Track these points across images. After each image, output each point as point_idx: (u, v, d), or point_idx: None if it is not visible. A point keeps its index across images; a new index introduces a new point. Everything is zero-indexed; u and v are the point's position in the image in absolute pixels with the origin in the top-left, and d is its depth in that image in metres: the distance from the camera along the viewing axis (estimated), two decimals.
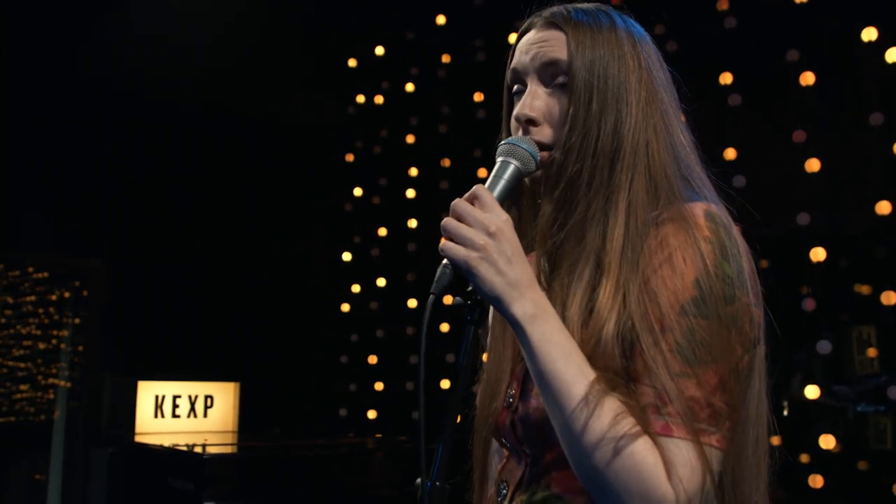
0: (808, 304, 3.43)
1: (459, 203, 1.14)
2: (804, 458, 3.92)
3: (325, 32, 5.66)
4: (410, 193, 5.25)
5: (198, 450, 4.01)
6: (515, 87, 1.32)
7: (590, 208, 1.20)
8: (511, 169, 1.20)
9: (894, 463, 4.42)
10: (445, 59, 5.11)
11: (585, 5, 1.32)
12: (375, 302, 5.35)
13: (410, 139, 5.30)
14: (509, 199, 1.23)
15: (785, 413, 5.11)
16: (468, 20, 4.92)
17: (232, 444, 4.73)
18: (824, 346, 3.31)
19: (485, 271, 1.10)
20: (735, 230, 1.19)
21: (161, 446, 4.37)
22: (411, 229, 5.23)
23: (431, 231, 5.11)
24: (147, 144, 5.36)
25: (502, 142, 1.24)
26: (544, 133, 1.25)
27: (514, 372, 1.28)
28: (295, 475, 4.12)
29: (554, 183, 1.24)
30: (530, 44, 1.29)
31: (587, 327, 1.14)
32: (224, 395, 5.29)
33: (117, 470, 4.88)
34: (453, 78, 5.11)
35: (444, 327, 4.71)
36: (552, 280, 1.24)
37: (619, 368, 1.11)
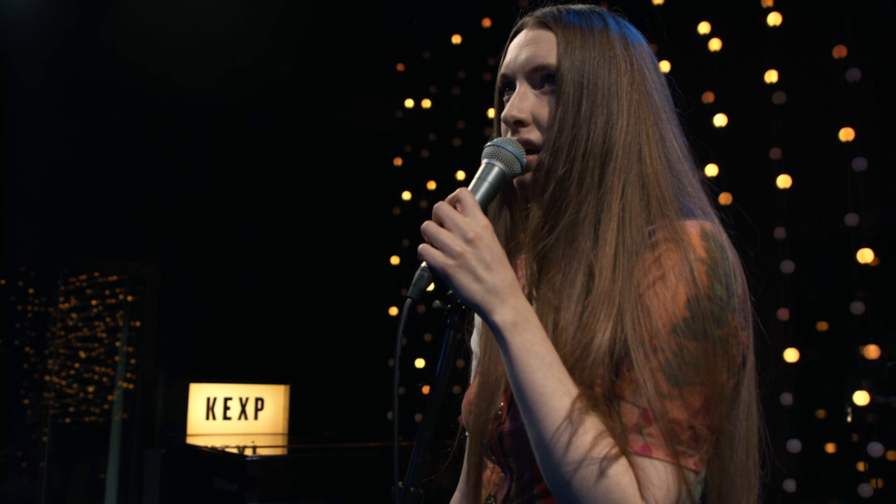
0: (859, 308, 3.33)
1: (441, 206, 1.12)
2: (860, 465, 3.81)
3: (373, 37, 5.70)
4: None
5: (247, 452, 4.06)
6: (506, 89, 1.30)
7: (580, 211, 1.17)
8: (495, 171, 1.18)
9: None
10: (491, 62, 5.09)
11: (579, 6, 1.29)
12: (423, 306, 5.35)
13: (457, 142, 5.29)
14: (496, 202, 1.22)
15: (848, 419, 4.97)
16: (513, 22, 4.89)
17: (278, 447, 4.79)
18: (873, 352, 3.20)
19: (462, 278, 1.08)
20: (730, 249, 1.15)
21: (207, 447, 4.44)
22: None
23: None
24: (202, 152, 5.47)
25: (487, 143, 1.22)
26: (533, 134, 1.22)
27: (505, 383, 1.24)
28: (340, 478, 4.14)
29: (543, 185, 1.21)
30: (520, 45, 1.27)
31: (579, 335, 1.11)
32: (274, 398, 5.36)
33: (169, 470, 4.98)
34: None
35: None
36: (541, 284, 1.21)
37: (604, 381, 1.08)
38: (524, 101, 1.23)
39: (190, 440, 4.93)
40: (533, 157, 1.22)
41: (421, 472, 1.08)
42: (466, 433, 1.42)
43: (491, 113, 5.16)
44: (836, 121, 3.39)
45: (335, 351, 5.64)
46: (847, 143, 3.35)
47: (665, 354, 1.06)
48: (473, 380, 1.36)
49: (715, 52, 3.82)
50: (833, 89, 3.45)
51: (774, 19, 3.60)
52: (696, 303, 1.07)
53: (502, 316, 1.08)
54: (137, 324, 5.85)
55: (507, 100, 1.29)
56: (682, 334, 1.06)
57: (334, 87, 5.72)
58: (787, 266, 3.43)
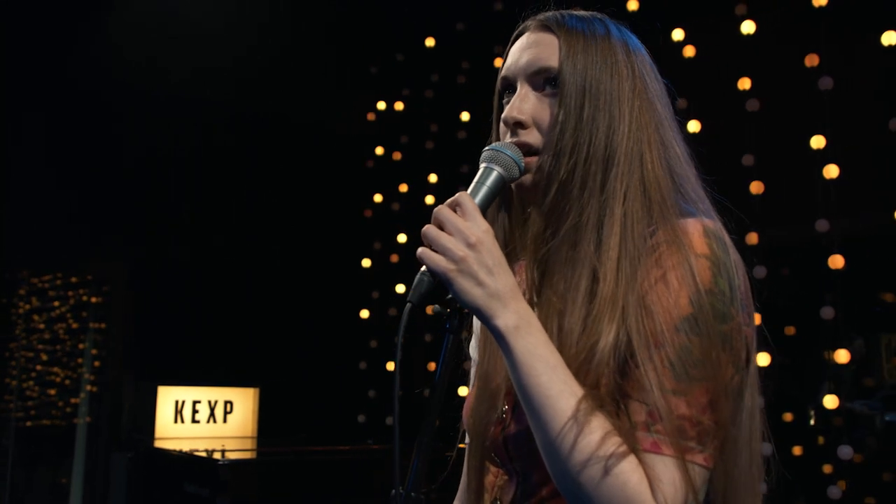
0: (828, 313, 3.37)
1: (442, 210, 1.12)
2: (827, 468, 3.86)
3: (346, 39, 5.68)
4: (430, 200, 5.24)
5: (215, 455, 4.02)
6: (506, 92, 1.30)
7: (583, 215, 1.17)
8: (494, 175, 1.18)
9: None
10: (464, 65, 5.10)
11: (581, 12, 1.30)
12: (394, 308, 5.35)
13: (430, 145, 5.29)
14: (493, 207, 1.21)
15: (812, 423, 5.04)
16: (488, 26, 4.91)
17: (248, 450, 4.75)
18: (843, 356, 3.25)
19: (464, 282, 1.08)
20: (732, 247, 1.16)
21: (177, 451, 4.39)
22: None
23: None
24: (171, 150, 5.41)
25: (486, 147, 1.22)
26: (532, 136, 1.22)
27: (508, 387, 1.25)
28: (312, 481, 4.12)
29: (544, 189, 1.21)
30: (522, 48, 1.27)
31: (584, 338, 1.12)
32: (244, 401, 5.31)
33: (136, 474, 4.91)
34: (473, 84, 5.10)
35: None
36: (543, 289, 1.21)
37: (610, 382, 1.09)
38: (525, 103, 1.24)
39: (158, 444, 4.87)
40: (532, 160, 1.22)
41: (421, 477, 1.07)
42: (467, 438, 1.42)
43: (464, 116, 5.20)
44: (808, 128, 3.45)
45: (305, 353, 5.60)
46: (819, 150, 3.40)
47: (670, 352, 1.07)
48: (473, 384, 1.35)
49: (689, 59, 3.86)
50: (805, 97, 3.50)
51: (748, 27, 3.64)
52: (699, 299, 1.09)
53: (504, 320, 1.09)
54: (103, 325, 5.77)
55: (507, 102, 1.29)
56: (686, 331, 1.07)
57: (306, 88, 5.68)
58: (760, 271, 3.47)
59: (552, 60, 1.23)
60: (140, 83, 5.16)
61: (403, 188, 5.46)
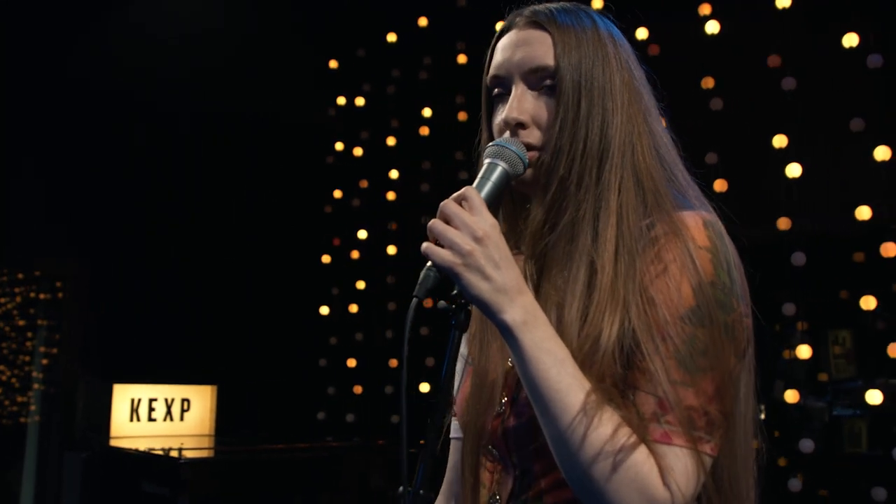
0: (789, 309, 3.44)
1: (448, 204, 1.11)
2: (782, 461, 3.94)
3: (306, 34, 5.63)
4: (391, 196, 5.22)
5: (174, 454, 3.96)
6: (496, 90, 1.30)
7: (580, 209, 1.19)
8: (499, 171, 1.18)
9: (868, 466, 4.45)
10: (427, 61, 5.08)
11: (565, 4, 1.30)
12: (355, 305, 5.32)
13: (391, 141, 5.27)
14: (496, 202, 1.21)
15: (762, 417, 5.13)
16: (450, 22, 4.90)
17: (208, 449, 4.68)
18: (804, 351, 3.31)
19: (471, 277, 1.08)
20: (728, 238, 1.19)
21: (136, 450, 4.31)
22: (392, 232, 5.20)
23: (412, 234, 5.09)
24: (128, 146, 5.31)
25: (490, 143, 1.22)
26: (533, 136, 1.23)
27: (505, 380, 1.25)
28: (272, 480, 4.07)
29: (544, 185, 1.22)
30: (514, 45, 1.26)
31: (584, 331, 1.13)
32: (201, 399, 5.23)
33: (91, 475, 4.81)
34: (435, 80, 5.09)
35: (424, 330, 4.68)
36: (541, 283, 1.22)
37: (616, 375, 1.10)
38: (524, 103, 1.24)
39: (113, 443, 4.77)
40: (532, 155, 1.23)
41: (428, 475, 1.06)
42: (452, 435, 1.41)
43: (426, 112, 5.18)
44: (771, 128, 3.50)
45: (264, 351, 5.54)
46: (781, 149, 3.46)
47: (675, 343, 1.08)
48: (465, 380, 1.35)
49: (652, 58, 3.90)
50: (768, 97, 3.55)
51: (712, 27, 3.69)
52: (701, 291, 1.11)
53: (512, 315, 1.09)
54: (53, 323, 5.64)
55: (498, 98, 1.30)
56: (690, 322, 1.09)
57: (264, 82, 5.62)
58: None
59: (548, 58, 1.23)
60: (98, 78, 5.05)
61: (364, 184, 5.43)
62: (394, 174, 5.24)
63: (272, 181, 5.70)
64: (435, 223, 1.11)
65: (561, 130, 1.21)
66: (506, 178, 1.19)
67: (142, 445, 4.45)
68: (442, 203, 1.12)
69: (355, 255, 5.37)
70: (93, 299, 5.34)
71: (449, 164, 4.90)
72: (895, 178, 3.26)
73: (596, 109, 1.21)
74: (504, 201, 1.31)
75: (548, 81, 1.23)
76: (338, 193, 5.54)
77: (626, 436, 1.05)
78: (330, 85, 5.61)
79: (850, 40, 3.39)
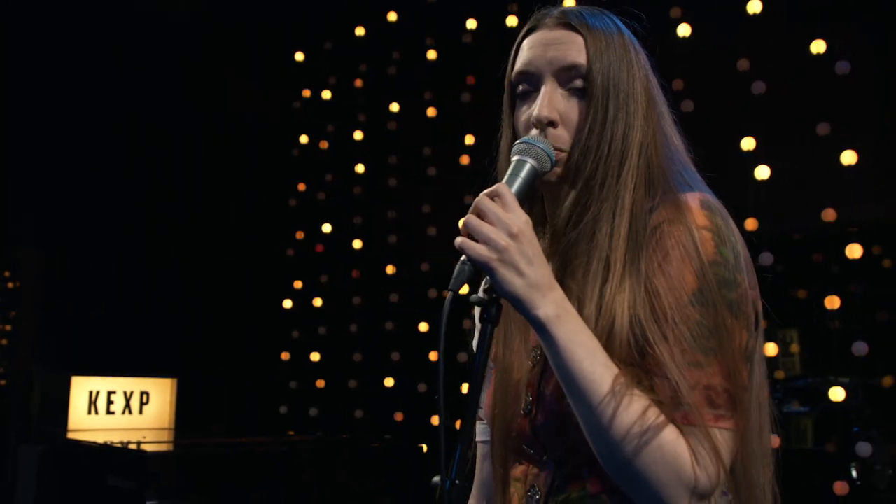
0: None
1: (482, 200, 1.13)
2: None
3: (272, 24, 5.58)
4: (357, 190, 5.21)
5: (144, 447, 3.91)
6: (521, 86, 1.32)
7: (602, 208, 1.23)
8: (528, 168, 1.21)
9: (814, 463, 4.56)
10: (396, 55, 5.08)
11: (591, 7, 1.34)
12: (319, 299, 5.30)
13: (358, 135, 5.25)
14: (525, 198, 1.23)
15: None
16: (420, 17, 4.90)
17: (172, 442, 4.63)
18: (771, 350, 3.39)
19: (505, 272, 1.10)
20: (729, 217, 1.23)
21: (99, 443, 4.24)
22: (356, 226, 5.19)
23: (377, 228, 5.09)
24: (86, 134, 5.21)
25: (518, 140, 1.24)
26: (560, 135, 1.26)
27: (529, 378, 1.28)
28: (238, 474, 4.04)
29: (572, 183, 1.26)
30: (545, 44, 1.29)
31: (601, 322, 1.17)
32: (161, 392, 5.16)
33: (48, 468, 4.72)
34: (403, 75, 5.09)
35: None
36: (563, 279, 1.24)
37: (635, 362, 1.14)
38: (555, 102, 1.27)
39: (71, 436, 4.69)
40: (561, 155, 1.26)
41: (463, 465, 1.08)
42: (478, 438, 1.42)
43: (394, 107, 5.16)
44: (740, 130, 3.57)
45: (226, 344, 5.49)
46: (749, 151, 3.53)
47: (684, 328, 1.12)
48: (489, 381, 1.37)
49: None
50: (737, 100, 3.62)
51: (683, 31, 3.75)
52: (703, 273, 1.15)
53: (545, 310, 1.12)
54: (7, 311, 5.52)
55: (523, 95, 1.31)
56: (695, 305, 1.13)
57: (228, 73, 5.56)
58: None
59: (580, 58, 1.27)
60: (57, 67, 4.95)
61: (329, 178, 5.41)
62: (360, 168, 5.23)
63: (235, 173, 5.64)
64: (470, 218, 1.12)
65: (591, 132, 1.24)
66: (534, 176, 1.21)
67: (100, 438, 4.37)
68: (477, 198, 1.14)
69: (320, 248, 5.35)
70: (48, 288, 5.23)
71: (415, 160, 4.90)
72: (860, 182, 3.35)
73: (621, 113, 1.25)
74: (531, 199, 1.33)
75: (578, 82, 1.27)
76: (302, 186, 5.51)
77: (654, 415, 1.09)
78: (295, 77, 5.57)
79: (818, 47, 3.47)
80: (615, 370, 1.12)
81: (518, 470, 1.29)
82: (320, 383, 5.24)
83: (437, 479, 1.07)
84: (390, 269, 4.94)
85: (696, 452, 1.08)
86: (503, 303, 1.14)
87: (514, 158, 1.22)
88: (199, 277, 5.53)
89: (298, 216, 5.48)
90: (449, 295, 1.10)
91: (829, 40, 3.48)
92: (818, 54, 3.47)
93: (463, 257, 1.12)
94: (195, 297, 5.49)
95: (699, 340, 1.12)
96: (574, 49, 1.27)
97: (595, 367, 1.11)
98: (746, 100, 3.54)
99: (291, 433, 5.18)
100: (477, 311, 1.46)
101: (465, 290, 1.12)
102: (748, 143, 3.54)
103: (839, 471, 3.75)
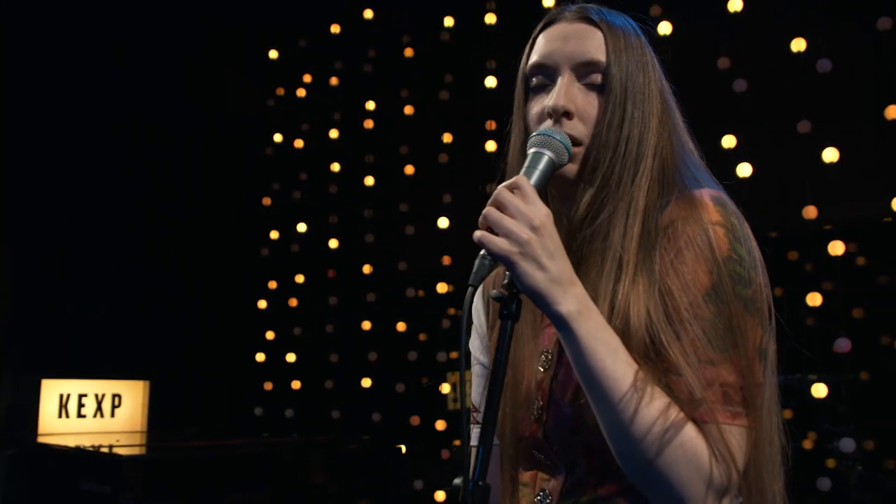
0: None
1: (503, 192, 1.10)
2: None
3: (246, 21, 5.51)
4: (332, 189, 5.16)
5: (119, 450, 3.83)
6: (535, 79, 1.29)
7: (617, 206, 1.21)
8: (545, 160, 1.18)
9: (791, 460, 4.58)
10: (372, 53, 5.04)
11: (604, 7, 1.33)
12: (294, 299, 5.24)
13: (334, 134, 5.20)
14: (543, 191, 1.21)
15: None
16: (397, 14, 4.87)
17: (147, 445, 4.55)
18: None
19: (527, 266, 1.07)
20: (742, 216, 1.21)
21: (71, 447, 4.16)
22: (332, 225, 5.14)
23: (352, 227, 5.04)
24: (55, 129, 5.10)
25: (535, 133, 1.21)
26: (577, 128, 1.24)
27: (540, 382, 1.25)
28: (215, 476, 3.98)
29: (588, 180, 1.24)
30: (564, 37, 1.27)
31: (614, 322, 1.15)
32: (133, 394, 5.08)
33: (18, 473, 4.62)
34: (379, 73, 5.05)
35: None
36: (577, 276, 1.22)
37: (651, 361, 1.12)
38: (571, 93, 1.24)
39: (42, 440, 4.59)
40: (578, 150, 1.24)
41: (485, 466, 1.04)
42: (475, 443, 1.39)
43: (370, 105, 5.12)
44: (721, 128, 3.59)
45: (199, 345, 5.40)
46: (731, 149, 3.55)
47: (700, 324, 1.11)
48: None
49: None
50: (719, 98, 3.63)
51: (664, 29, 3.75)
52: (717, 269, 1.13)
53: (567, 306, 1.09)
54: None
55: (537, 89, 1.29)
56: (711, 302, 1.12)
57: (201, 70, 5.48)
58: None
59: (600, 54, 1.25)
60: (31, 65, 4.85)
61: (304, 176, 5.36)
62: (336, 167, 5.18)
63: (208, 172, 5.56)
64: (490, 211, 1.09)
65: (609, 127, 1.22)
66: (552, 168, 1.19)
67: (71, 442, 4.29)
68: (496, 190, 1.11)
69: (295, 248, 5.29)
70: (17, 288, 5.11)
71: (392, 159, 4.87)
72: (841, 179, 3.38)
73: (637, 112, 1.24)
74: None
75: (596, 78, 1.25)
76: (276, 185, 5.45)
77: (676, 413, 1.08)
78: (269, 75, 5.51)
79: (798, 45, 3.49)
80: (636, 367, 1.10)
81: (526, 475, 1.27)
82: (296, 384, 5.19)
83: (458, 480, 1.04)
84: (367, 269, 4.90)
85: (713, 450, 1.07)
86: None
87: (532, 151, 1.19)
88: (171, 278, 5.44)
89: (273, 215, 5.42)
90: (469, 290, 1.07)
91: (809, 39, 3.50)
92: (798, 52, 3.49)
93: (482, 251, 1.09)
94: (168, 297, 5.40)
95: (714, 338, 1.11)
96: (594, 44, 1.25)
97: (617, 364, 1.08)
98: (728, 98, 3.55)
99: (267, 435, 5.12)
100: (475, 305, 1.43)
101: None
102: (729, 141, 3.55)
103: (816, 468, 3.78)
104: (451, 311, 4.58)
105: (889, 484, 4.58)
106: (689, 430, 1.07)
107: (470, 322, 1.08)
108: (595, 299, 1.16)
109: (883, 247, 4.34)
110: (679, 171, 1.25)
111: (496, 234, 1.08)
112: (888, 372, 4.59)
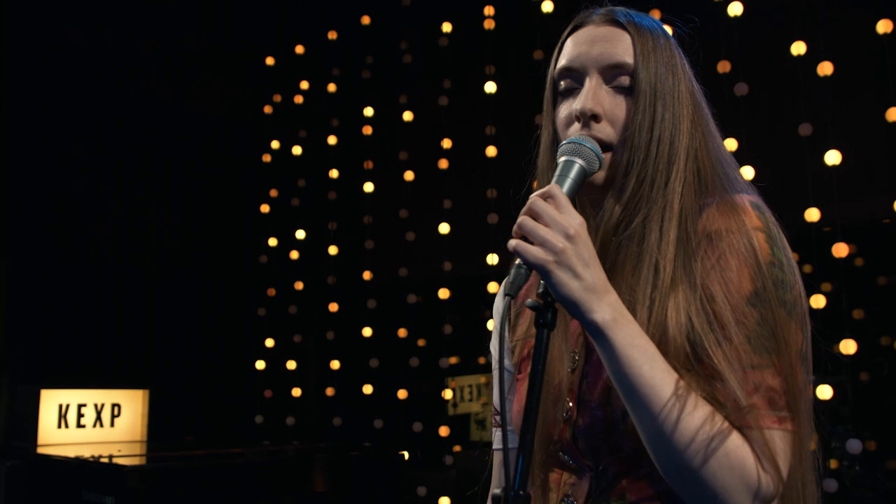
0: None
1: (538, 201, 1.10)
2: None
3: (243, 28, 5.50)
4: (331, 195, 5.15)
5: (121, 461, 3.81)
6: (564, 83, 1.29)
7: (651, 210, 1.21)
8: (577, 168, 1.18)
9: None
10: (370, 59, 5.03)
11: (632, 10, 1.32)
12: (294, 306, 5.22)
13: (332, 140, 5.19)
14: (575, 199, 1.20)
15: None
16: (394, 20, 4.86)
17: (149, 455, 4.53)
18: None
19: (562, 275, 1.07)
20: (774, 218, 1.22)
21: (72, 458, 4.13)
22: (331, 231, 5.13)
23: (351, 234, 5.03)
24: (54, 139, 5.08)
25: (566, 141, 1.21)
26: (606, 131, 1.23)
27: (569, 383, 1.25)
28: (218, 485, 3.96)
29: (621, 185, 1.23)
30: (592, 40, 1.26)
31: (651, 329, 1.14)
32: (132, 404, 5.06)
33: (17, 484, 4.59)
34: (377, 79, 5.05)
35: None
36: (614, 282, 1.21)
37: (692, 368, 1.12)
38: (599, 96, 1.24)
39: (42, 450, 4.56)
40: (606, 156, 1.23)
41: (525, 476, 1.04)
42: (497, 446, 1.39)
43: (368, 111, 5.12)
44: (722, 132, 3.59)
45: (199, 353, 5.38)
46: (732, 153, 3.55)
47: (744, 329, 1.11)
48: (519, 384, 1.34)
49: None
50: (719, 102, 3.64)
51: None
52: (760, 274, 1.13)
53: (602, 314, 1.09)
54: None
55: (565, 93, 1.29)
56: (754, 306, 1.12)
57: (199, 77, 5.47)
58: None
59: (627, 56, 1.25)
60: (30, 68, 4.82)
61: (302, 183, 5.34)
62: (334, 173, 5.17)
63: (207, 179, 5.54)
64: (525, 220, 1.09)
65: (639, 129, 1.22)
66: (583, 177, 1.19)
67: (71, 452, 4.27)
68: (530, 199, 1.11)
69: (294, 255, 5.28)
70: (15, 298, 5.08)
71: (391, 165, 4.86)
72: (843, 182, 3.39)
73: (668, 114, 1.23)
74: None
75: (624, 80, 1.24)
76: (274, 192, 5.44)
77: (719, 421, 1.07)
78: (266, 82, 5.50)
79: (799, 48, 3.50)
80: (675, 375, 1.09)
81: (551, 478, 1.26)
82: (297, 392, 5.17)
83: (497, 491, 1.04)
84: (367, 275, 4.89)
85: (760, 456, 1.07)
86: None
87: (562, 159, 1.19)
88: (170, 286, 5.42)
89: (271, 222, 5.41)
90: (506, 300, 1.07)
91: (809, 42, 3.51)
92: (799, 55, 3.50)
93: (518, 260, 1.09)
94: (166, 305, 5.38)
95: (758, 342, 1.10)
96: (621, 47, 1.25)
97: (655, 371, 1.08)
98: (729, 101, 3.56)
99: (268, 443, 5.10)
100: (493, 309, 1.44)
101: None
102: (730, 145, 3.56)
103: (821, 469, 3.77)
104: (454, 316, 4.57)
105: (889, 484, 4.59)
106: (735, 439, 1.07)
107: (504, 335, 1.07)
108: (632, 305, 1.16)
109: (883, 247, 4.36)
110: (716, 173, 1.24)
111: (531, 243, 1.08)
112: (888, 372, 4.61)
